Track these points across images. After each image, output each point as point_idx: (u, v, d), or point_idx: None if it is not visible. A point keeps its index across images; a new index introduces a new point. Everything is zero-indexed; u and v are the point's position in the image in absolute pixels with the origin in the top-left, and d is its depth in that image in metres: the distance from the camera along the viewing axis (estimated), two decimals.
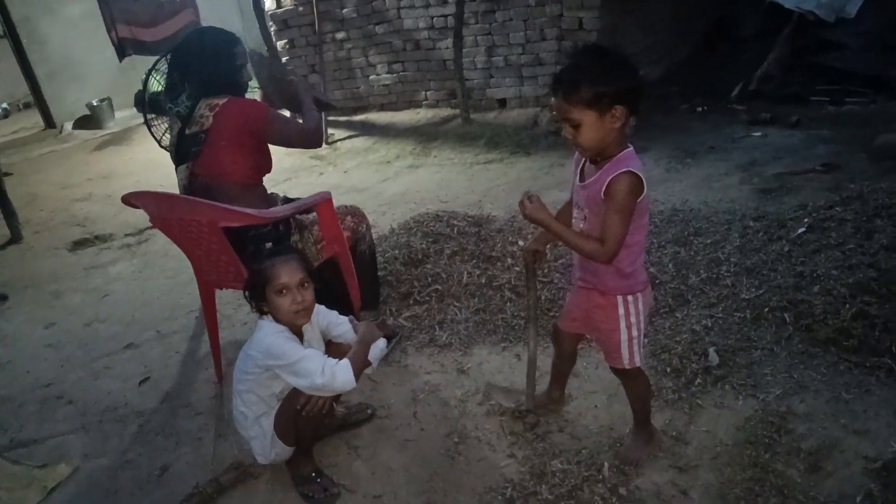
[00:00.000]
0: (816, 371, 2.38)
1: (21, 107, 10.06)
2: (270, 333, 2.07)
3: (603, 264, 1.82)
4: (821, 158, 4.24)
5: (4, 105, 10.26)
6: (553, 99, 1.79)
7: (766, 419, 2.19)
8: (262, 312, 2.13)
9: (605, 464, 2.09)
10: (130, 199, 2.55)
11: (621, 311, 1.93)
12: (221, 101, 2.61)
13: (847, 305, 2.48)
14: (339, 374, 1.98)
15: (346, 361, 2.02)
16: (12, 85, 9.71)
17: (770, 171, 4.20)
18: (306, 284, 2.09)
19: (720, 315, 2.72)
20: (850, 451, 2.03)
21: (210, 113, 2.59)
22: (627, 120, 1.73)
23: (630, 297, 1.92)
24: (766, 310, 2.67)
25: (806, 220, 3.09)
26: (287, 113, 3.25)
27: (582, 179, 1.88)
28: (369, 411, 2.52)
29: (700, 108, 5.69)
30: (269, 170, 2.87)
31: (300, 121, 2.87)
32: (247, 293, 2.15)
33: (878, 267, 2.58)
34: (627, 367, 2.01)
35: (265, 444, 2.16)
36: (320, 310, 2.25)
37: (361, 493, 2.19)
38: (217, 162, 2.62)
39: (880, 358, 2.34)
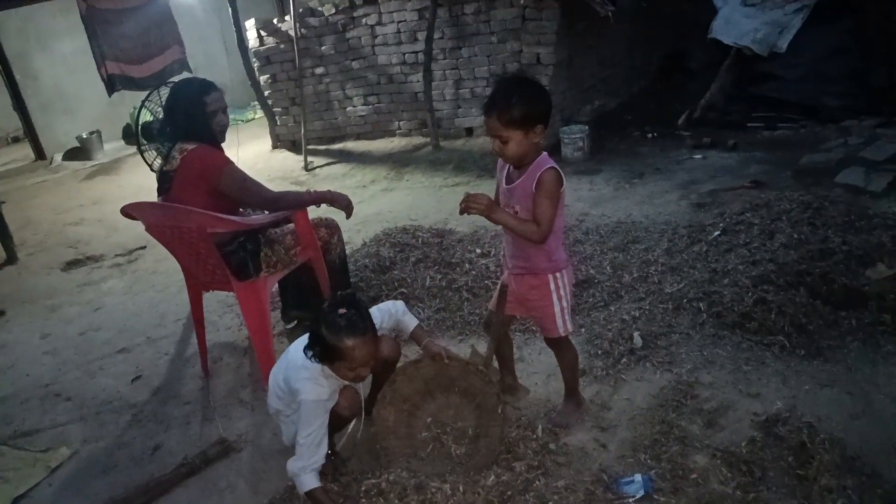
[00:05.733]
0: (723, 349, 2.77)
1: (10, 140, 10.29)
2: (311, 399, 2.14)
3: (536, 244, 2.13)
4: (752, 176, 4.68)
5: None
6: (485, 118, 2.13)
7: (677, 388, 2.56)
8: (319, 360, 2.18)
9: (539, 426, 2.44)
10: (129, 211, 2.88)
11: (552, 286, 2.28)
12: (190, 146, 2.88)
13: (750, 294, 2.88)
14: (299, 483, 2.14)
15: (313, 481, 2.12)
16: (2, 119, 10.00)
17: (706, 188, 4.63)
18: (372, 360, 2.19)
19: (647, 307, 3.10)
20: (743, 410, 2.41)
21: (179, 156, 2.89)
22: (542, 134, 2.13)
23: (558, 274, 2.28)
24: (685, 301, 3.06)
25: (721, 224, 3.52)
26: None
27: (509, 182, 2.25)
28: None
29: (651, 135, 6.14)
30: (233, 213, 2.99)
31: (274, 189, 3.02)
32: (310, 351, 2.18)
33: (776, 261, 2.99)
34: (562, 334, 2.36)
35: (291, 429, 2.35)
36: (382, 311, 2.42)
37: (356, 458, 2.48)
38: (180, 201, 2.86)
39: (775, 336, 2.73)
